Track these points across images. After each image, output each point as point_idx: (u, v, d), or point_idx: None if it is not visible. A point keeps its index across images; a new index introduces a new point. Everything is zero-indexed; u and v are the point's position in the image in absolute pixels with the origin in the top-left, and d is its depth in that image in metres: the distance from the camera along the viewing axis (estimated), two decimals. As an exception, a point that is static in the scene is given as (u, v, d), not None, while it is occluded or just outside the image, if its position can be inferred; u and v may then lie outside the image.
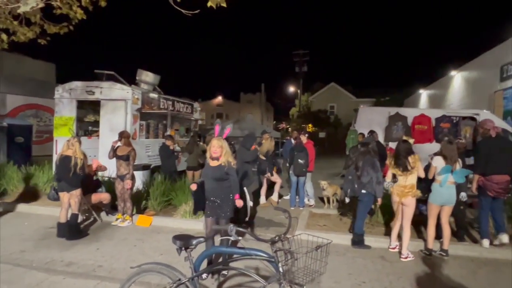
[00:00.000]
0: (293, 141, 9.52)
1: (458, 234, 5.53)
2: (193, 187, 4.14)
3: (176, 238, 2.76)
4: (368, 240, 5.57)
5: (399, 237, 5.16)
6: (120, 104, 9.04)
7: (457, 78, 18.68)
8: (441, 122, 9.46)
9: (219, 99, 63.08)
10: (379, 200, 5.30)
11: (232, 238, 2.49)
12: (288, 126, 41.06)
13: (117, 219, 6.32)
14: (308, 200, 8.42)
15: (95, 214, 6.43)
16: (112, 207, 6.60)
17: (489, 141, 5.55)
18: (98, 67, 9.97)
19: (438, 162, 4.90)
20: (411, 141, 5.07)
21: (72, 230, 5.47)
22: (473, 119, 9.51)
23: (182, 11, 4.98)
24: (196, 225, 6.23)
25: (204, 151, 9.66)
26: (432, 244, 5.04)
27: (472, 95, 16.66)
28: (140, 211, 6.93)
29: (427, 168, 5.19)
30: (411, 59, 76.12)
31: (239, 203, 3.91)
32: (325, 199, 8.09)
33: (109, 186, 7.11)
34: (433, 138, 9.32)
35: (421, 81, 25.64)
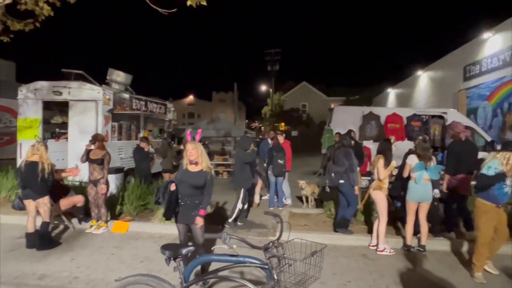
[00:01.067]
0: (269, 141, 9.53)
1: (433, 229, 5.74)
2: (173, 187, 3.92)
3: (165, 248, 2.65)
4: (349, 238, 5.66)
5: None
6: (90, 105, 8.64)
7: (423, 78, 19.46)
8: (412, 120, 9.78)
9: (191, 98, 62.23)
10: (356, 189, 5.48)
11: (226, 247, 2.40)
12: (261, 125, 41.15)
13: (91, 226, 6.03)
14: (285, 199, 8.45)
15: (67, 222, 6.10)
16: (85, 214, 6.28)
17: (459, 144, 5.94)
18: (64, 66, 9.52)
19: (412, 160, 5.05)
20: (392, 139, 5.23)
21: (44, 240, 5.15)
22: (441, 117, 9.90)
23: (159, 9, 4.82)
24: (176, 229, 6.05)
25: (179, 152, 9.48)
26: (411, 240, 5.19)
27: (437, 94, 17.41)
28: (115, 216, 6.66)
29: (402, 167, 5.44)
30: (379, 58, 78.69)
31: (199, 221, 3.71)
32: (304, 198, 8.14)
33: (81, 191, 6.77)
34: (405, 136, 9.60)
35: (389, 80, 26.53)
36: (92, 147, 5.95)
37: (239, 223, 6.54)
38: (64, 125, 9.85)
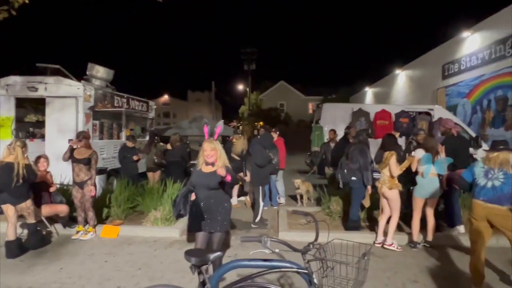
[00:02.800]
0: (261, 138, 9.29)
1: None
2: (194, 196, 3.52)
3: (190, 254, 2.35)
4: (356, 236, 5.51)
5: (385, 232, 5.18)
6: (70, 101, 8.06)
7: (402, 76, 19.86)
8: (400, 117, 9.87)
9: (166, 97, 60.83)
10: (369, 188, 5.33)
11: (267, 251, 2.14)
12: (239, 125, 40.85)
13: (77, 231, 5.55)
14: (279, 198, 8.25)
15: (50, 227, 5.59)
16: (70, 219, 5.80)
17: (453, 139, 5.96)
18: (38, 61, 8.86)
19: (419, 153, 4.97)
20: (397, 135, 5.12)
21: (35, 238, 4.77)
22: (428, 114, 10.05)
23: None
24: (171, 232, 5.71)
25: (164, 152, 9.05)
26: (417, 236, 5.10)
27: (416, 92, 17.80)
28: (102, 220, 6.20)
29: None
30: (356, 57, 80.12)
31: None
32: (298, 197, 7.96)
33: (63, 194, 6.26)
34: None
35: (367, 79, 26.99)
36: (77, 145, 5.46)
37: (266, 223, 6.32)
38: (39, 124, 9.18)
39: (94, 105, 8.52)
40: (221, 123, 3.72)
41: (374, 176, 5.39)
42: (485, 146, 9.25)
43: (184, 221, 6.19)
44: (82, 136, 5.46)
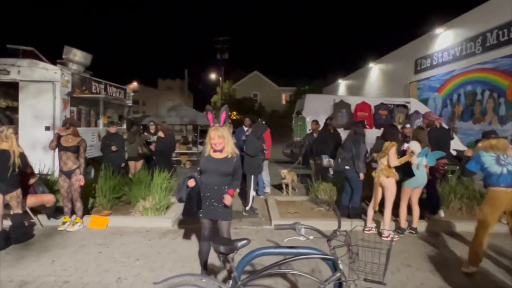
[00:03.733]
0: (245, 128, 9.28)
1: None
2: (191, 183, 3.42)
3: (217, 242, 2.33)
4: (344, 224, 5.69)
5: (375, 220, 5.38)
6: (46, 86, 7.62)
7: (375, 70, 20.45)
8: (380, 109, 10.20)
9: (134, 84, 58.62)
10: (361, 176, 5.49)
11: (301, 239, 2.18)
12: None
13: (63, 222, 5.33)
14: (264, 187, 8.32)
15: (35, 218, 5.32)
16: (56, 209, 5.55)
17: (437, 131, 6.26)
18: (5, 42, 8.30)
19: (416, 146, 5.16)
20: (399, 127, 5.28)
21: (21, 231, 4.60)
22: (405, 106, 10.46)
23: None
24: (164, 222, 5.62)
25: (149, 143, 8.83)
26: (404, 223, 5.34)
27: (389, 86, 18.42)
28: (87, 211, 5.98)
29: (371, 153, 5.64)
30: (330, 50, 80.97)
31: (228, 199, 3.36)
32: (284, 186, 8.07)
33: (46, 184, 5.96)
34: (373, 124, 10.00)
35: (340, 72, 27.55)
36: (64, 132, 5.21)
37: (256, 212, 6.36)
38: (9, 110, 8.64)
39: (72, 91, 8.12)
40: (225, 109, 3.66)
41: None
42: (456, 138, 9.81)
43: (176, 211, 6.14)
44: (69, 123, 5.20)
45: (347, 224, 5.12)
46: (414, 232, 5.37)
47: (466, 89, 11.99)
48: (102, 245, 4.73)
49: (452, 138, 9.74)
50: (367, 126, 7.82)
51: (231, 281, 2.34)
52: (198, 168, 3.54)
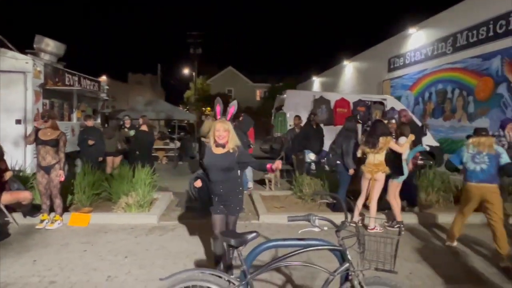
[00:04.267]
0: (228, 123, 9.21)
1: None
2: (198, 184, 3.42)
3: (228, 235, 2.29)
4: (341, 217, 5.78)
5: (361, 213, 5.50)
6: (17, 77, 7.20)
7: (349, 67, 20.89)
8: (358, 105, 10.43)
9: (103, 78, 56.49)
10: (350, 171, 5.58)
11: (316, 230, 2.17)
12: (186, 109, 39.86)
13: (41, 220, 5.06)
14: (247, 183, 8.30)
15: (10, 216, 5.01)
16: (33, 207, 5.25)
17: (412, 127, 6.51)
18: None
19: (404, 141, 5.30)
20: (385, 122, 5.39)
21: None
22: (381, 103, 10.76)
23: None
24: (149, 218, 5.47)
25: (128, 140, 8.55)
26: (400, 216, 5.41)
27: (363, 83, 18.89)
28: (65, 208, 5.70)
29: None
30: (304, 47, 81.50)
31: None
32: (267, 182, 8.09)
33: (21, 180, 5.64)
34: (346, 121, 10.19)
35: (314, 69, 27.94)
36: (43, 125, 4.92)
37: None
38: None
39: (44, 82, 7.71)
40: (234, 104, 3.57)
41: None
42: (429, 135, 10.21)
43: (160, 207, 6.00)
44: (48, 115, 4.91)
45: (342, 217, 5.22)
46: (402, 225, 5.52)
47: (437, 88, 12.51)
48: (86, 243, 4.53)
49: (425, 134, 10.17)
50: (360, 121, 7.96)
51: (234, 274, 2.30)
52: (200, 161, 3.47)
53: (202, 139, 7.66)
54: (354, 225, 2.40)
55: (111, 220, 5.40)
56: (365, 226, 5.37)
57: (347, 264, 2.36)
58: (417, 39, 13.91)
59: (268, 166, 3.41)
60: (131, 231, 5.03)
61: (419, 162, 6.93)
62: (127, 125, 8.78)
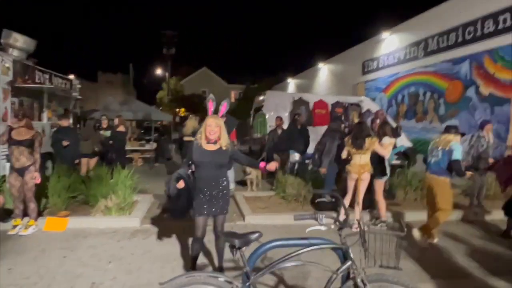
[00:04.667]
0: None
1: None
2: (181, 185, 3.32)
3: (232, 236, 2.23)
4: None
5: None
6: (-17, 74, 6.73)
7: (324, 70, 21.25)
8: (336, 107, 10.60)
9: (71, 77, 54.35)
10: (322, 170, 5.70)
11: (323, 228, 2.15)
12: (160, 109, 39.05)
13: (14, 226, 4.75)
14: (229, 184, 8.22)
15: (-22, 223, 4.66)
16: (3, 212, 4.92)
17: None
18: None
19: (388, 141, 5.41)
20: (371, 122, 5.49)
21: None
22: (358, 105, 11.00)
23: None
24: (131, 222, 5.28)
25: (107, 139, 8.23)
26: (385, 214, 5.52)
27: (337, 85, 19.25)
28: (39, 212, 5.39)
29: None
30: (279, 49, 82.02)
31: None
32: (248, 182, 8.03)
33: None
34: (330, 121, 10.35)
35: (289, 71, 28.22)
36: (16, 124, 4.62)
37: None
38: None
39: (13, 79, 7.27)
40: (227, 101, 3.54)
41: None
42: (403, 135, 10.55)
43: (142, 209, 5.81)
44: (22, 114, 4.62)
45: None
46: (385, 223, 5.64)
47: (410, 90, 12.97)
48: (65, 248, 4.29)
49: (399, 135, 10.51)
50: (344, 122, 8.08)
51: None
52: (190, 162, 3.38)
53: (185, 138, 7.55)
54: (357, 223, 2.40)
55: (90, 224, 5.16)
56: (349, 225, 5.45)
57: (349, 262, 2.36)
58: (390, 43, 14.36)
59: (261, 165, 3.39)
60: (112, 235, 4.83)
61: (395, 162, 7.15)
62: (104, 126, 8.45)
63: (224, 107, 3.41)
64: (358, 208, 5.28)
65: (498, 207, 5.54)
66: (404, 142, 10.60)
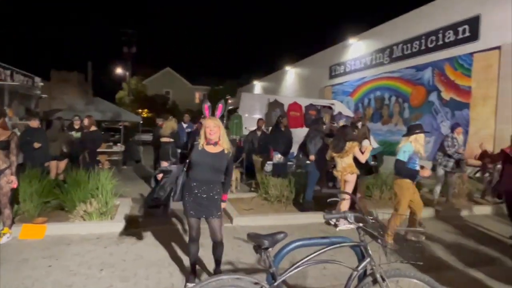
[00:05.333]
0: (184, 125, 8.94)
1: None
2: (159, 176, 3.38)
3: (257, 237, 2.22)
4: (300, 217, 5.93)
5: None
6: None
7: (291, 73, 21.65)
8: (309, 109, 10.86)
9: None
10: (311, 157, 5.89)
11: (353, 226, 2.19)
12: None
13: (-14, 235, 4.35)
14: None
15: None
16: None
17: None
18: None
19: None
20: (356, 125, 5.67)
21: None
22: (330, 108, 11.35)
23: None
24: (114, 227, 5.04)
25: (72, 140, 7.78)
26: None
27: (305, 89, 19.69)
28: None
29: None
30: (244, 51, 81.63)
31: (223, 205, 3.35)
32: (228, 184, 7.97)
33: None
34: (304, 124, 10.58)
35: (255, 73, 28.43)
36: (-11, 125, 4.25)
37: None
38: None
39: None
40: (222, 102, 3.51)
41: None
42: (372, 137, 11.01)
43: (123, 213, 5.58)
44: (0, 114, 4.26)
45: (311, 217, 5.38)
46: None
47: (376, 94, 13.59)
48: (49, 257, 4.01)
49: (368, 138, 10.99)
50: (325, 123, 8.25)
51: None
52: (187, 160, 3.32)
53: (162, 139, 7.34)
54: (374, 220, 2.48)
55: (70, 231, 4.86)
56: (335, 225, 5.61)
57: (368, 259, 2.44)
58: (357, 49, 14.95)
59: (223, 196, 3.40)
60: (97, 241, 4.58)
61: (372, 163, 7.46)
62: (76, 127, 7.99)
63: (219, 109, 3.40)
64: (342, 208, 5.47)
65: (465, 204, 5.97)
66: (373, 144, 11.09)
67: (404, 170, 4.55)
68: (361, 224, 2.30)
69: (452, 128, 6.68)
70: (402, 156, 4.55)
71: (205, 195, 3.22)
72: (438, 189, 6.91)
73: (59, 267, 3.77)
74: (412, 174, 4.59)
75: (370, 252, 2.45)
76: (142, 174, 10.61)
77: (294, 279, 3.53)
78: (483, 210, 6.89)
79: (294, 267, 2.32)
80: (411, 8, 11.93)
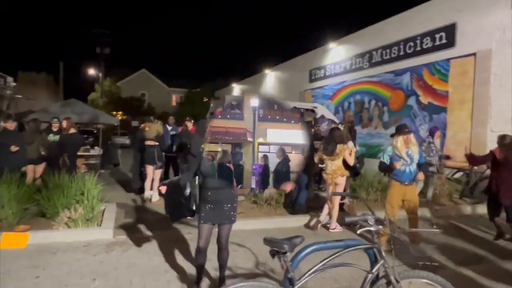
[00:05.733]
0: (169, 127, 8.74)
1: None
2: (163, 189, 3.37)
3: (276, 241, 2.16)
4: (291, 220, 5.91)
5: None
6: None
7: (270, 76, 21.72)
8: (293, 112, 10.90)
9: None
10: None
11: (373, 229, 2.17)
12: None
13: (-38, 245, 4.03)
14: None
15: None
16: None
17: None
18: None
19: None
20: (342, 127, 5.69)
21: None
22: (313, 111, 11.43)
23: None
24: (102, 234, 4.83)
25: (49, 143, 7.41)
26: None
27: (284, 92, 19.78)
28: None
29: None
30: (221, 54, 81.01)
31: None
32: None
33: None
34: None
35: (233, 76, 28.38)
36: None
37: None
38: None
39: None
40: (219, 108, 3.46)
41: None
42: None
43: (110, 219, 5.37)
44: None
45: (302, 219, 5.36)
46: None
47: (356, 98, 13.85)
48: (35, 267, 3.77)
49: (349, 140, 11.17)
50: (313, 127, 8.30)
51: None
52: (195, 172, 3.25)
53: (147, 142, 7.13)
54: (388, 223, 2.48)
55: (54, 238, 4.60)
56: (326, 227, 5.63)
57: (382, 261, 2.43)
58: (336, 53, 15.20)
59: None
60: (86, 249, 4.36)
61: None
62: (55, 129, 7.61)
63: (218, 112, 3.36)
64: (334, 211, 5.49)
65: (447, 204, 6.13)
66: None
67: (380, 169, 4.79)
68: (381, 227, 2.28)
69: (431, 132, 6.89)
70: (382, 156, 4.73)
71: (223, 200, 3.19)
72: (417, 190, 7.11)
73: (48, 277, 3.55)
74: (386, 169, 4.76)
75: (383, 253, 2.45)
76: (121, 178, 10.27)
77: (308, 283, 3.49)
78: (465, 210, 7.15)
79: (311, 271, 2.28)
80: (391, 15, 12.29)
